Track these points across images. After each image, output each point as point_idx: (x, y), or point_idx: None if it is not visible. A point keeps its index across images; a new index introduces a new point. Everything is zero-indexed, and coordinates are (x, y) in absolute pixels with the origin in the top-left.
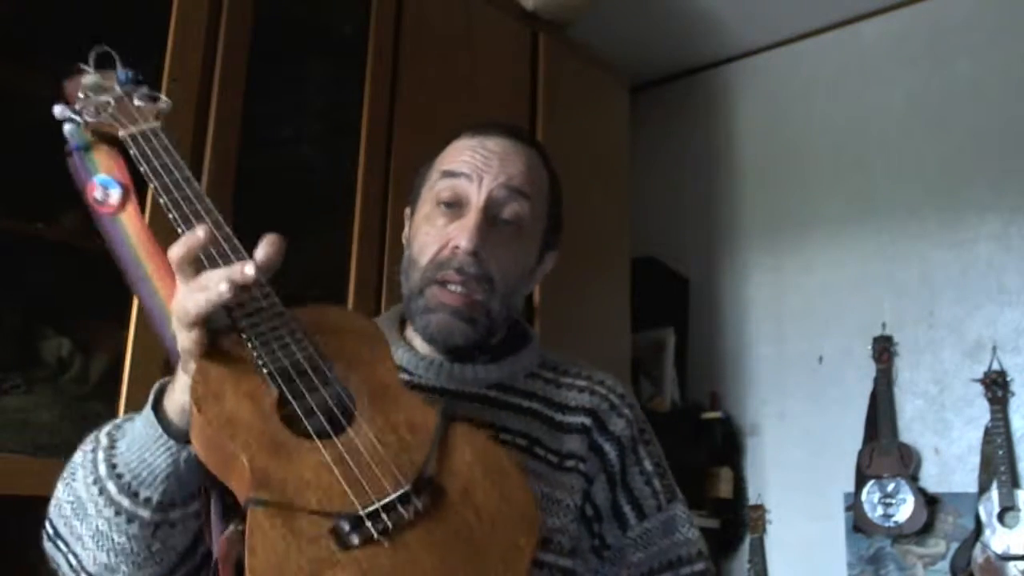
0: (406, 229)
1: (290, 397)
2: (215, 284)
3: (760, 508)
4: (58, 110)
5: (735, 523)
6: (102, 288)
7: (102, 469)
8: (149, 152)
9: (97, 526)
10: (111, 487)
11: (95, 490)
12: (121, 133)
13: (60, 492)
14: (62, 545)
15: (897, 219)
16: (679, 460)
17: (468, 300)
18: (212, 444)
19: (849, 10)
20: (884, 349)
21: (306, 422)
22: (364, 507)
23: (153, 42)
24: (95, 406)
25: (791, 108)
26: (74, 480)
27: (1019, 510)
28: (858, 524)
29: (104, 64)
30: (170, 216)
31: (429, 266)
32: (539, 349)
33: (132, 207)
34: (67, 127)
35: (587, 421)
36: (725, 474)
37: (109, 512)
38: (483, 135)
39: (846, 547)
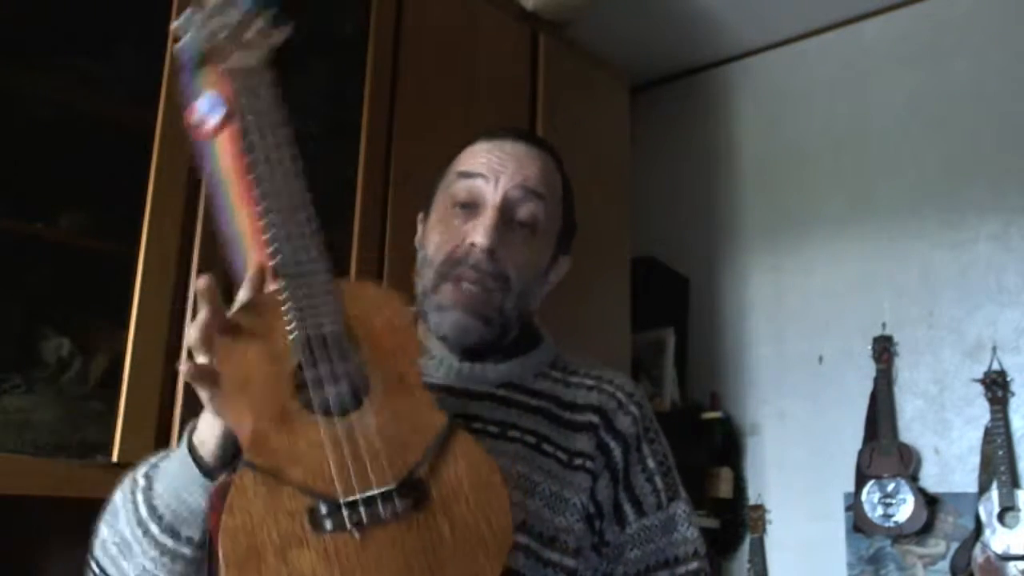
0: (418, 233)
1: (306, 370)
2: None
3: (760, 508)
4: (179, 22)
5: (735, 523)
6: (102, 288)
7: (143, 511)
8: (248, 88)
9: (144, 565)
10: (154, 528)
11: (139, 531)
12: (227, 64)
13: (104, 533)
14: None
15: (897, 219)
16: (679, 460)
17: (482, 298)
18: (228, 398)
19: (850, 10)
20: (884, 349)
21: (314, 398)
22: (345, 495)
23: (153, 42)
24: (95, 406)
25: (791, 108)
26: (117, 522)
27: (1019, 510)
28: (858, 524)
29: None
30: (248, 157)
31: (444, 263)
32: (554, 350)
33: (228, 133)
34: (184, 39)
35: (595, 419)
36: (725, 474)
37: (154, 552)
38: (499, 139)
39: (846, 547)
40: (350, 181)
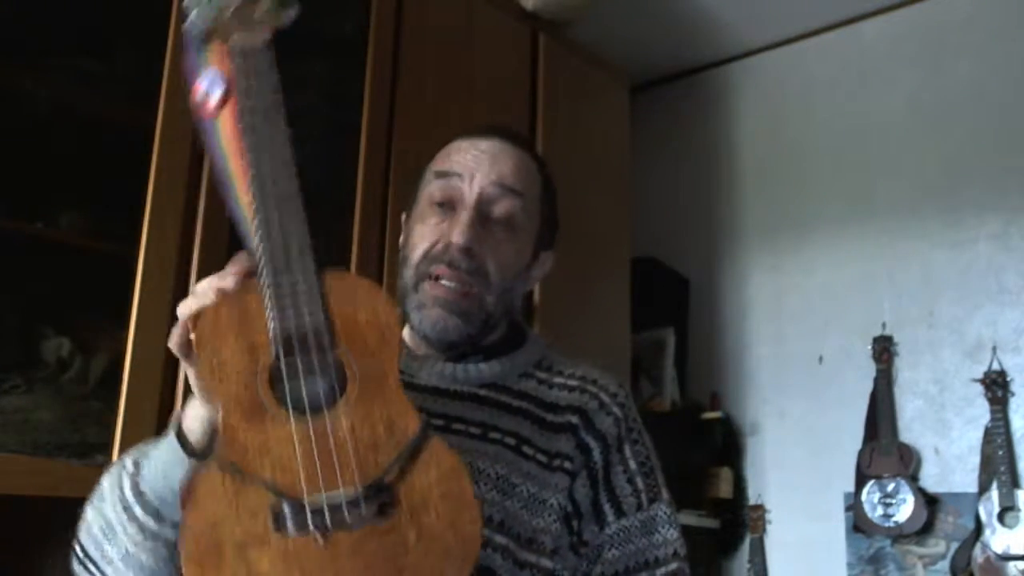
0: (403, 235)
1: (282, 364)
2: (203, 292)
3: (760, 508)
4: None
5: (735, 523)
6: (102, 288)
7: (128, 492)
8: (248, 70)
9: (126, 548)
10: (137, 510)
11: (123, 514)
12: (231, 41)
13: (89, 516)
14: (92, 567)
15: (897, 219)
16: (679, 460)
17: (461, 294)
18: (202, 388)
19: (849, 10)
20: (884, 349)
21: (288, 394)
22: (310, 496)
23: (153, 42)
24: (95, 406)
25: (791, 108)
26: (103, 504)
27: (1019, 510)
28: (858, 524)
29: None
30: (243, 140)
31: (421, 261)
32: (541, 350)
33: (229, 111)
34: (191, 16)
35: (574, 419)
36: (725, 474)
37: (138, 535)
38: (475, 137)
39: (846, 547)
40: (350, 181)
